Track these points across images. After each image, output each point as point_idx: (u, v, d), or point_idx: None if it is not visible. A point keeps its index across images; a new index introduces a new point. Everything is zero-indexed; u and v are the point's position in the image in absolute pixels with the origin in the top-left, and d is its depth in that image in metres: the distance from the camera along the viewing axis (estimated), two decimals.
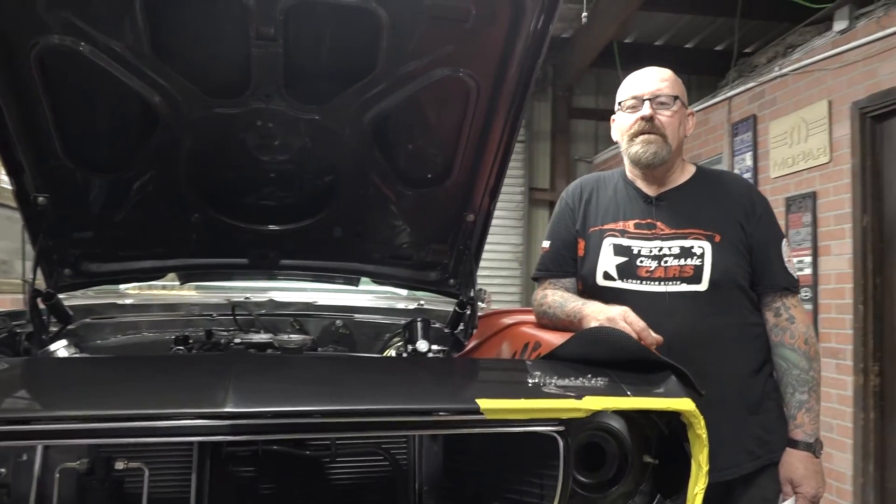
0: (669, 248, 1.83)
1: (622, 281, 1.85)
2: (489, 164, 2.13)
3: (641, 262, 1.84)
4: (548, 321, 1.90)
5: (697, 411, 1.35)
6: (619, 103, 1.94)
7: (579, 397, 1.30)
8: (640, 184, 1.95)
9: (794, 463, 1.77)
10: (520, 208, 7.40)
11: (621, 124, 1.94)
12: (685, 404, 1.35)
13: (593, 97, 7.69)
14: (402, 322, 2.51)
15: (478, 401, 1.22)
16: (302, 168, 2.15)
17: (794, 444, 1.79)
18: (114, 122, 1.98)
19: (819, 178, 4.23)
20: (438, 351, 2.23)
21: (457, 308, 2.42)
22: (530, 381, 1.33)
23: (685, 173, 1.96)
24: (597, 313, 1.70)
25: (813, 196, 4.25)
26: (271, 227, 2.32)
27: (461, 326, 2.46)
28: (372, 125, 2.00)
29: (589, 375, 1.38)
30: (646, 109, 1.86)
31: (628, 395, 1.36)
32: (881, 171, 3.89)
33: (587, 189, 2.01)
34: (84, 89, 1.86)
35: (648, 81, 1.91)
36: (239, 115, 1.93)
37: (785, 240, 1.91)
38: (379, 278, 2.59)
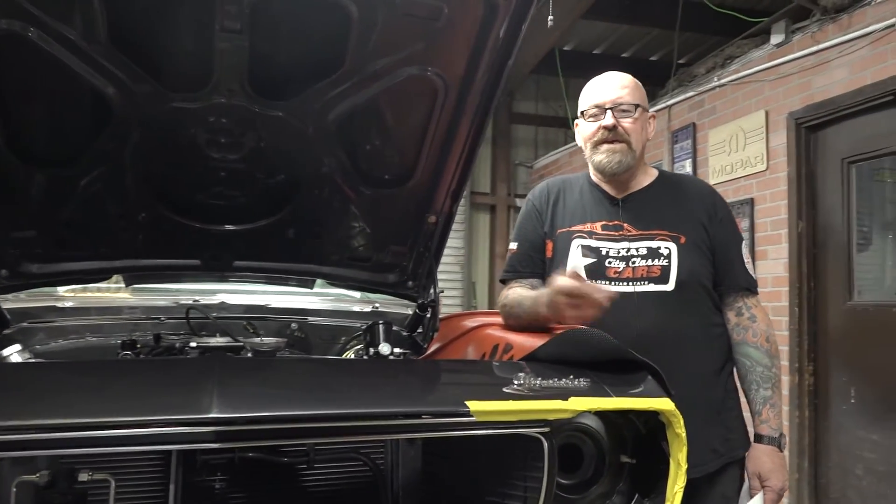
0: (637, 249, 1.85)
1: (591, 282, 1.86)
2: (453, 165, 2.10)
3: (610, 262, 1.86)
4: (514, 321, 1.89)
5: (677, 410, 1.37)
6: (582, 112, 1.95)
7: (565, 398, 1.29)
8: (606, 186, 1.97)
9: (761, 457, 1.81)
10: (461, 212, 7.40)
11: (584, 131, 1.95)
12: (665, 404, 1.37)
13: (534, 103, 7.80)
14: (359, 325, 2.46)
15: (468, 403, 1.20)
16: (262, 166, 2.07)
17: (760, 438, 1.83)
18: (63, 114, 1.85)
19: (756, 185, 4.38)
20: (400, 354, 2.19)
21: (417, 310, 2.39)
22: (515, 382, 1.32)
23: (648, 176, 1.98)
24: (541, 299, 1.75)
25: (751, 202, 4.40)
26: (226, 227, 2.23)
27: (420, 329, 2.43)
28: (336, 124, 1.94)
29: (571, 376, 1.38)
30: (608, 119, 1.88)
31: (610, 396, 1.36)
32: (815, 180, 4.06)
33: (553, 191, 2.01)
34: (31, 79, 1.73)
35: (609, 89, 1.92)
36: (198, 110, 1.83)
37: (744, 241, 1.97)
38: (336, 280, 2.53)
